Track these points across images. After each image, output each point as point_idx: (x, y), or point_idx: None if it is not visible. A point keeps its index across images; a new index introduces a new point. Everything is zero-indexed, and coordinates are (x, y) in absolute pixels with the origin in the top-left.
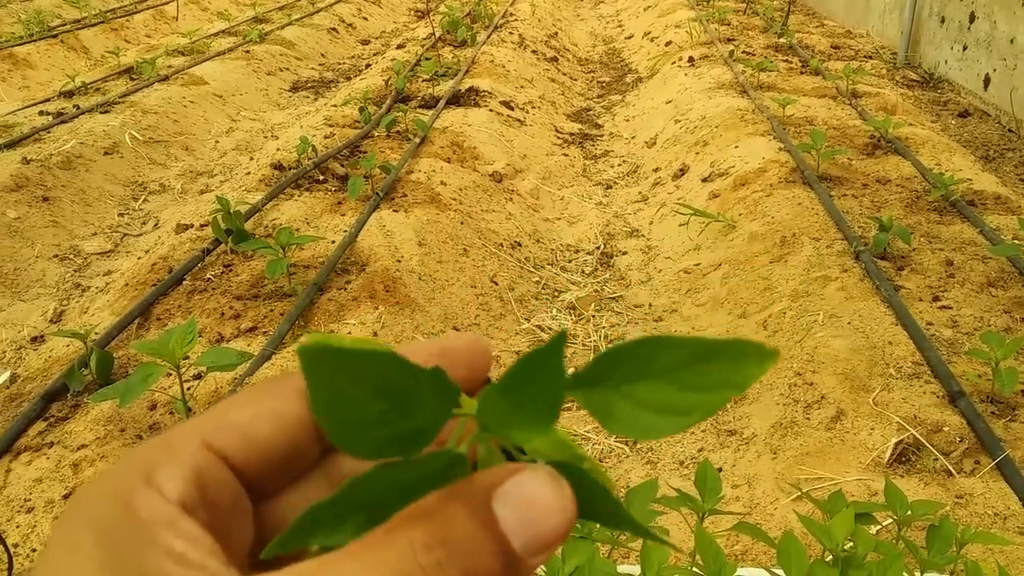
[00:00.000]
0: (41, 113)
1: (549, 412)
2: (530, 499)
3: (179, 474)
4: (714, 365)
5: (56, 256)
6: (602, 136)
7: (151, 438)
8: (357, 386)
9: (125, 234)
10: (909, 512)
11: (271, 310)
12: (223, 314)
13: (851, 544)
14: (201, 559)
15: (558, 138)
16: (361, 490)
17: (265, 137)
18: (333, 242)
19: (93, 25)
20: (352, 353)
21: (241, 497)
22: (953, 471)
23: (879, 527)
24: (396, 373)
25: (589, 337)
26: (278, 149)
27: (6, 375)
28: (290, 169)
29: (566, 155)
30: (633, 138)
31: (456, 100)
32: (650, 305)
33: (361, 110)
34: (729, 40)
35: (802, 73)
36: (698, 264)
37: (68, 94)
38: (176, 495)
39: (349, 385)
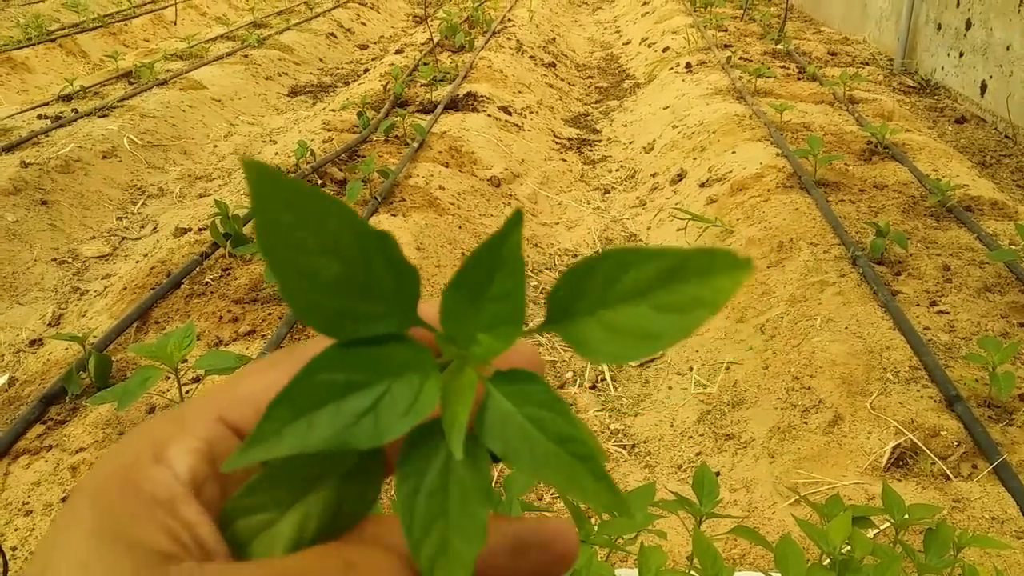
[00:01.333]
0: (40, 117)
1: (514, 312)
2: None
3: (190, 448)
4: (685, 283)
5: (54, 260)
6: (600, 141)
7: (165, 411)
8: (305, 231)
9: (123, 238)
10: (906, 516)
11: (269, 314)
12: (221, 318)
13: (848, 548)
14: (196, 539)
15: (556, 143)
16: (315, 380)
17: (263, 142)
18: None
19: (92, 29)
20: (302, 188)
21: (254, 471)
22: (950, 475)
23: (876, 531)
24: (346, 229)
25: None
26: (276, 154)
27: (4, 378)
28: (289, 173)
29: (564, 160)
30: (631, 143)
31: (454, 105)
32: None
33: (359, 115)
34: (726, 46)
35: (799, 79)
36: None
37: (67, 98)
38: (186, 469)
39: (297, 227)
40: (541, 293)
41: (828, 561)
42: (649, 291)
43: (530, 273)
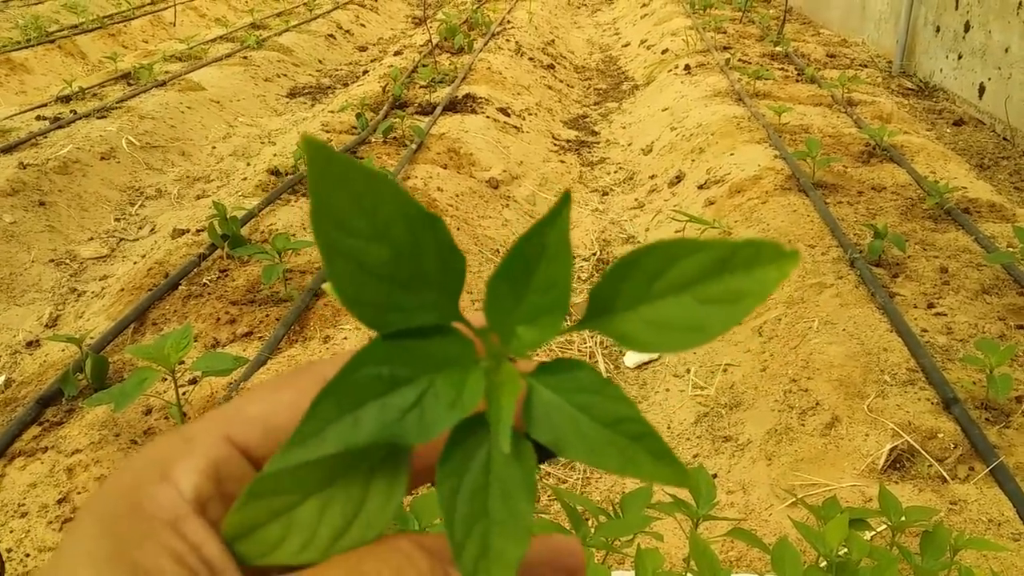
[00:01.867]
0: (38, 118)
1: (558, 304)
2: None
3: (196, 467)
4: (730, 275)
5: (52, 261)
6: (599, 143)
7: (171, 431)
8: (358, 213)
9: (121, 239)
10: (903, 518)
11: (267, 315)
12: (219, 319)
13: (845, 550)
14: (200, 561)
15: (555, 145)
16: (359, 375)
17: (262, 143)
18: None
19: (91, 30)
20: (360, 169)
21: None
22: (947, 477)
23: (873, 533)
24: (398, 212)
25: (585, 343)
26: (275, 155)
27: (1, 380)
28: (287, 175)
29: (563, 162)
30: (630, 145)
31: (453, 107)
32: None
33: (358, 116)
34: (725, 48)
35: (798, 81)
36: None
37: (65, 99)
38: (192, 489)
39: (350, 209)
40: None
41: (825, 563)
42: (693, 284)
43: None
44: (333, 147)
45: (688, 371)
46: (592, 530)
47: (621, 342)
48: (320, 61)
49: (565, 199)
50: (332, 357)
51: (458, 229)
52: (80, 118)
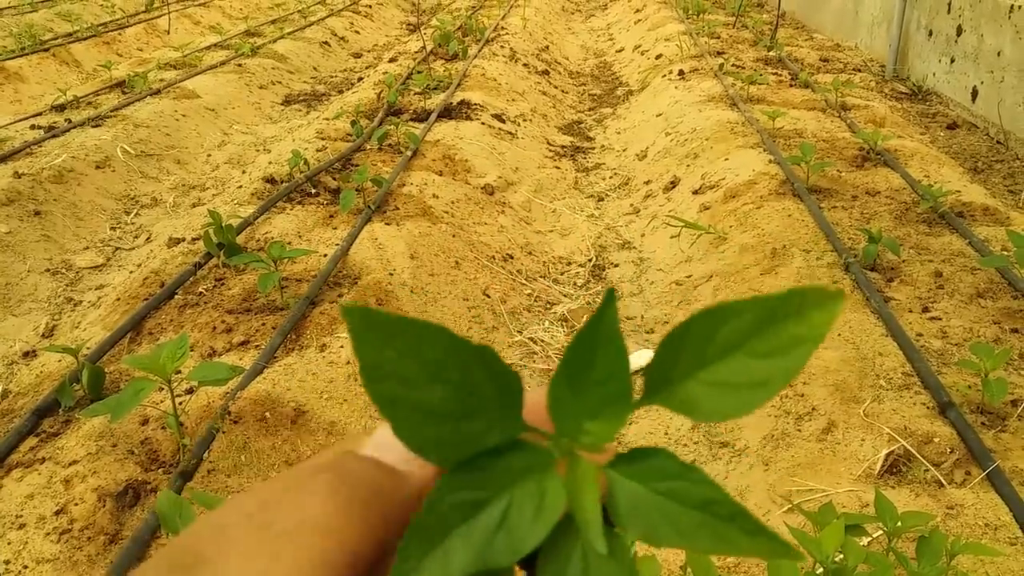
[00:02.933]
0: (33, 127)
1: (620, 393)
2: None
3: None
4: (781, 325)
5: (48, 270)
6: (594, 149)
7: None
8: (408, 363)
9: (117, 248)
10: (899, 524)
11: (263, 324)
12: (215, 328)
13: (841, 556)
14: None
15: (550, 151)
16: (440, 507)
17: (257, 150)
18: (325, 255)
19: (85, 39)
20: (400, 321)
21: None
22: (944, 482)
23: (870, 539)
24: (446, 351)
25: None
26: (270, 163)
27: None
28: (282, 182)
29: (558, 168)
30: (624, 151)
31: (448, 113)
32: (642, 317)
33: (353, 123)
34: (719, 53)
35: (791, 86)
36: (689, 276)
37: (60, 108)
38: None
39: (400, 361)
40: (535, 301)
41: (821, 570)
42: (745, 341)
43: (524, 281)
44: (369, 307)
45: None
46: None
47: (687, 412)
48: (315, 68)
49: (609, 296)
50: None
51: (454, 236)
52: (75, 127)
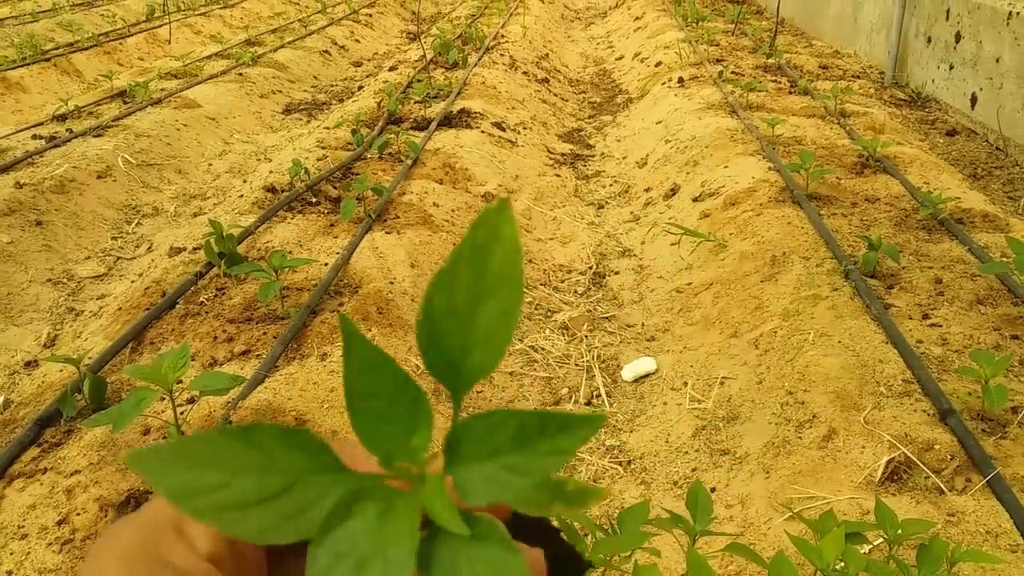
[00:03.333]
0: (34, 137)
1: (416, 407)
2: None
3: (209, 528)
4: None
5: (49, 280)
6: (594, 156)
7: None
8: (205, 471)
9: (118, 257)
10: (900, 531)
11: (264, 333)
12: (216, 338)
13: (842, 564)
14: None
15: (550, 159)
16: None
17: (258, 160)
18: (326, 264)
19: (86, 48)
20: (184, 447)
21: (262, 558)
22: (944, 489)
23: (871, 546)
24: (242, 452)
25: (582, 357)
26: (271, 172)
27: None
28: (283, 192)
29: (558, 175)
30: (624, 158)
31: (448, 122)
32: (643, 325)
33: (354, 132)
34: (718, 61)
35: (791, 93)
36: (690, 283)
37: (61, 118)
38: (207, 549)
39: (195, 474)
40: (536, 309)
41: None
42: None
43: (524, 289)
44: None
45: (685, 384)
46: (590, 546)
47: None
48: (315, 77)
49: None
50: (341, 441)
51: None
52: (76, 137)
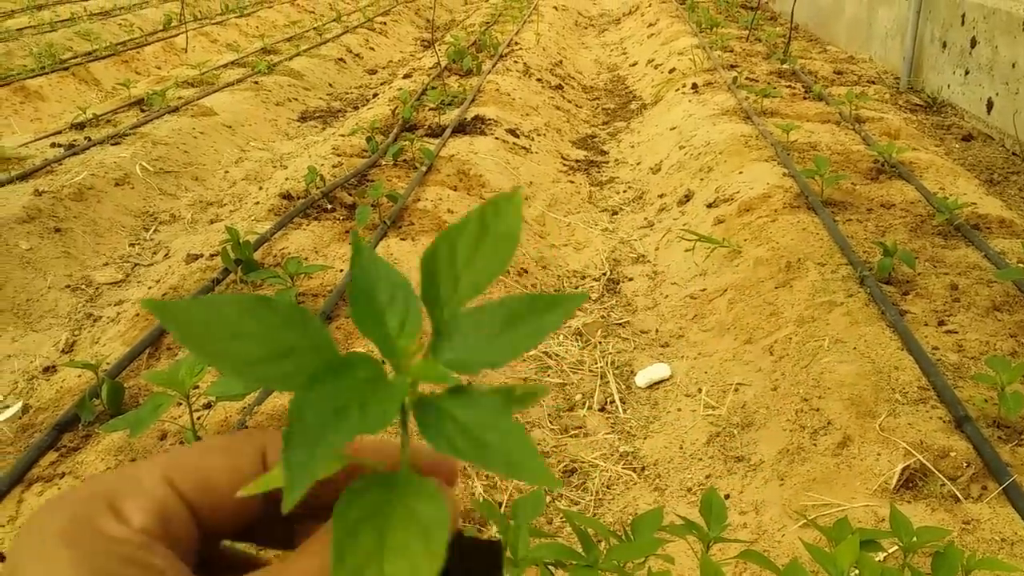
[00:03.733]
0: (53, 145)
1: (409, 310)
2: None
3: (144, 505)
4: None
5: (68, 286)
6: (607, 163)
7: (113, 469)
8: (225, 327)
9: (136, 264)
10: (915, 539)
11: None
12: None
13: (856, 572)
14: None
15: (564, 165)
16: (306, 419)
17: (274, 167)
18: (341, 271)
19: (104, 57)
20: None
21: (194, 536)
22: (960, 497)
23: (885, 554)
24: (261, 316)
25: (596, 363)
26: (287, 179)
27: (18, 405)
28: (299, 198)
29: (572, 182)
30: (638, 164)
31: (462, 128)
32: (657, 331)
33: (368, 139)
34: (732, 67)
35: (805, 99)
36: (704, 290)
37: (79, 126)
38: (140, 525)
39: (210, 328)
40: None
41: None
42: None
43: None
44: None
45: (700, 390)
46: (604, 553)
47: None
48: (330, 85)
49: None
50: (272, 432)
51: None
52: (94, 145)
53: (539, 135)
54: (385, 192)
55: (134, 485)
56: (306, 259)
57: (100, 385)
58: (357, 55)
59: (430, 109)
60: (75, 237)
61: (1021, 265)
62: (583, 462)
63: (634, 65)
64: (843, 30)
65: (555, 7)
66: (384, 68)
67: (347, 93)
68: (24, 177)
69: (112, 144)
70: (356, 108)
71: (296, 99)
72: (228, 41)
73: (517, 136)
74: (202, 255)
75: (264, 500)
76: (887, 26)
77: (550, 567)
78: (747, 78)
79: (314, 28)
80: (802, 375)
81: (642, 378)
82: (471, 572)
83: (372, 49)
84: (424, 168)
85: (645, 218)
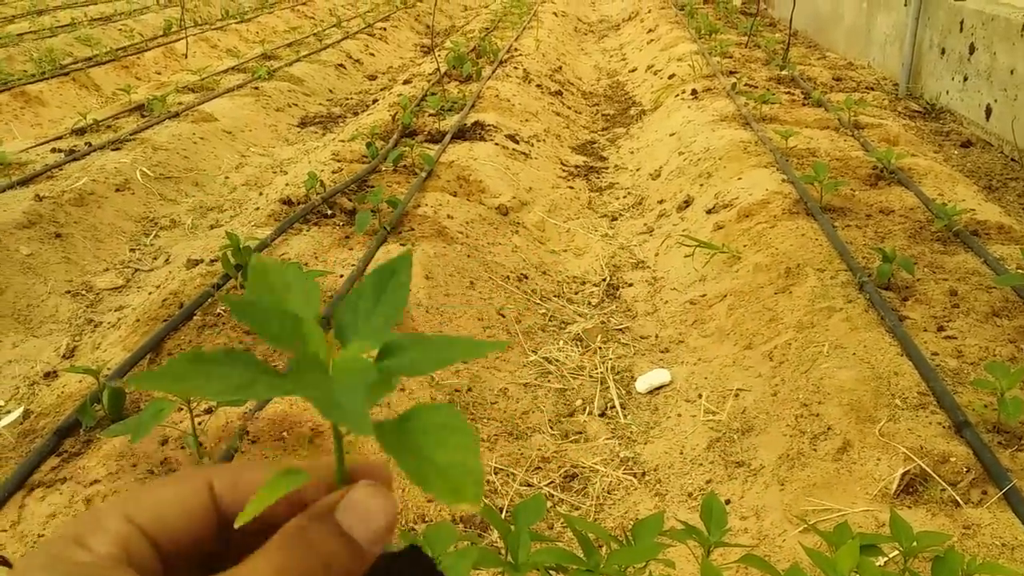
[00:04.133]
0: (53, 150)
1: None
2: (363, 508)
3: (106, 539)
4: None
5: (68, 292)
6: (607, 168)
7: (77, 516)
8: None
9: (136, 269)
10: (915, 543)
11: None
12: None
13: None
14: None
15: (563, 171)
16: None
17: (274, 172)
18: (341, 276)
19: (104, 63)
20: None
21: (158, 566)
22: (960, 502)
23: (886, 559)
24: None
25: (596, 369)
26: (287, 184)
27: (19, 411)
28: (299, 204)
29: (571, 187)
30: (638, 170)
31: (462, 134)
32: (656, 336)
33: (368, 145)
34: (731, 73)
35: (804, 105)
36: (704, 295)
37: (80, 131)
38: (105, 553)
39: (199, 377)
40: (550, 320)
41: None
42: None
43: (538, 301)
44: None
45: (700, 396)
46: (605, 557)
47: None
48: (330, 90)
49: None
50: (218, 467)
51: (468, 256)
52: (95, 150)
53: (539, 141)
54: (385, 198)
55: (96, 524)
56: (306, 264)
57: (101, 390)
58: (357, 61)
59: (430, 115)
60: (76, 242)
61: (1020, 271)
62: (583, 467)
63: (633, 71)
64: (842, 36)
65: (555, 13)
66: (384, 74)
67: (347, 99)
68: (25, 182)
69: (113, 149)
70: (356, 114)
71: (296, 105)
72: (228, 47)
73: (517, 142)
74: (202, 260)
75: (217, 527)
76: (886, 32)
77: (551, 571)
78: (746, 84)
79: (314, 34)
80: (802, 380)
81: (642, 383)
82: None
83: (372, 55)
84: (424, 174)
85: (645, 224)
